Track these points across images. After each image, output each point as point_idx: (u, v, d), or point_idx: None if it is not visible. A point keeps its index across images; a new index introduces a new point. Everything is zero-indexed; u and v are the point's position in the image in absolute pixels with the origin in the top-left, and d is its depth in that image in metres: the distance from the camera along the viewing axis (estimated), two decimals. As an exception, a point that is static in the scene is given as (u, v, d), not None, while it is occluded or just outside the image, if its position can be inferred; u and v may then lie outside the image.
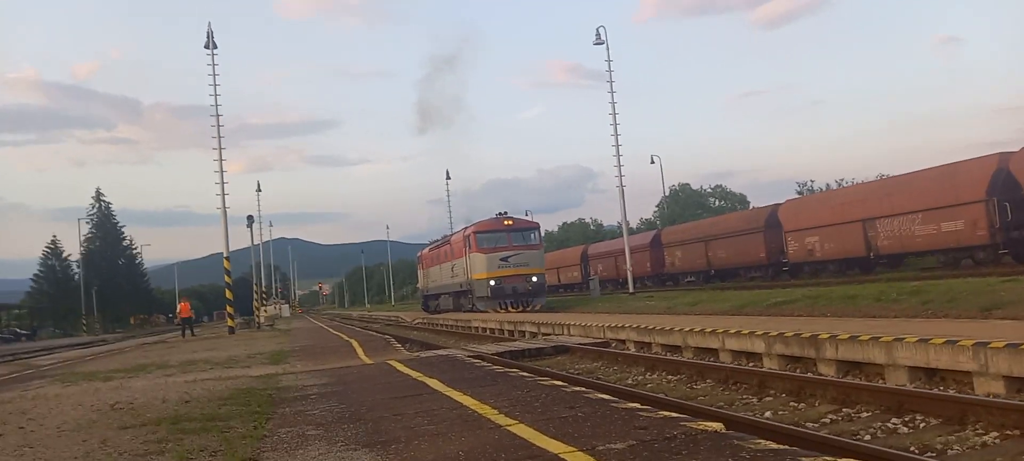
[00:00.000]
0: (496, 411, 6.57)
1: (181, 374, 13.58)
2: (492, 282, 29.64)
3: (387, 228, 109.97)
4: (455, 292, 35.14)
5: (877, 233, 27.92)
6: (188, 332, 35.14)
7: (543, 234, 34.48)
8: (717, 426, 5.25)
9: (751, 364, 10.71)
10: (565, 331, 17.89)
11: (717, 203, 75.49)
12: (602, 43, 33.46)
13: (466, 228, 33.27)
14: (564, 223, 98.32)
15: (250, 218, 47.07)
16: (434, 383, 9.09)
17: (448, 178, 57.32)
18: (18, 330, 65.59)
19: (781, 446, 4.52)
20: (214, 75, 31.99)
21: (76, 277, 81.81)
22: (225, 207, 32.31)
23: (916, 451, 5.81)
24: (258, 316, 45.23)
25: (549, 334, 18.30)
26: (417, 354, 15.09)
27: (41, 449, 6.56)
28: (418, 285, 50.67)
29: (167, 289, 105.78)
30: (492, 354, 13.93)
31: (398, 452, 5.29)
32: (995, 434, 5.92)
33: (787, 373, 9.27)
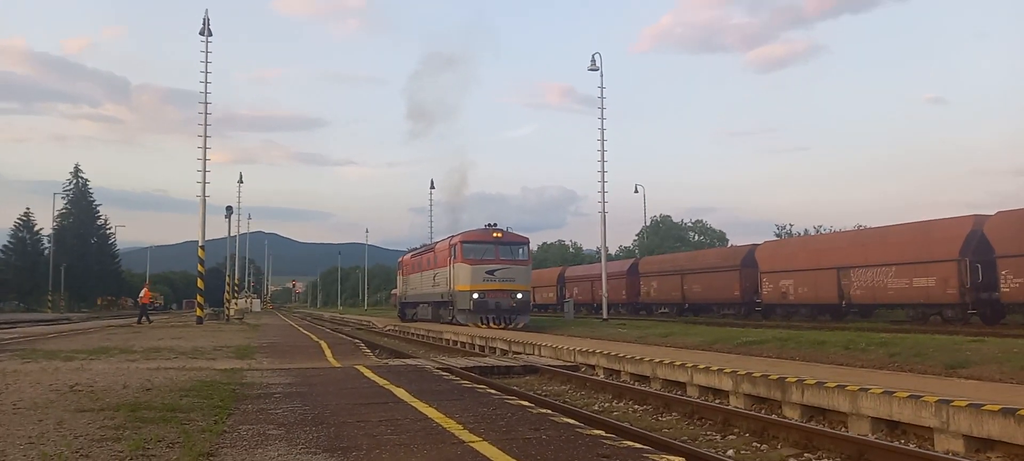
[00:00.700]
0: (461, 426, 6.54)
1: (144, 361, 13.39)
2: (475, 295, 28.47)
3: (366, 231, 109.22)
4: (435, 302, 34.05)
5: (850, 282, 28.26)
6: (144, 319, 34.58)
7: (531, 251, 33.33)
8: (679, 460, 5.26)
9: (717, 401, 10.75)
10: (536, 351, 17.87)
11: (696, 238, 76.11)
12: (597, 69, 33.70)
13: (452, 236, 32.11)
14: (544, 243, 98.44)
15: (229, 209, 46.67)
16: (401, 392, 9.04)
17: (432, 187, 57.28)
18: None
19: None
20: (206, 62, 31.86)
21: (46, 252, 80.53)
22: (205, 195, 32.07)
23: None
24: (228, 309, 44.73)
25: (520, 353, 18.26)
26: (386, 361, 14.99)
27: (-6, 425, 6.44)
28: (395, 291, 50.04)
29: (138, 273, 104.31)
30: (461, 368, 13.87)
31: (358, 459, 5.24)
32: (951, 492, 5.97)
33: (752, 413, 9.32)
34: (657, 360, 12.99)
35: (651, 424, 9.28)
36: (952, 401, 7.48)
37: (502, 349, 19.89)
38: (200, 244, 33.00)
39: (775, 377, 10.00)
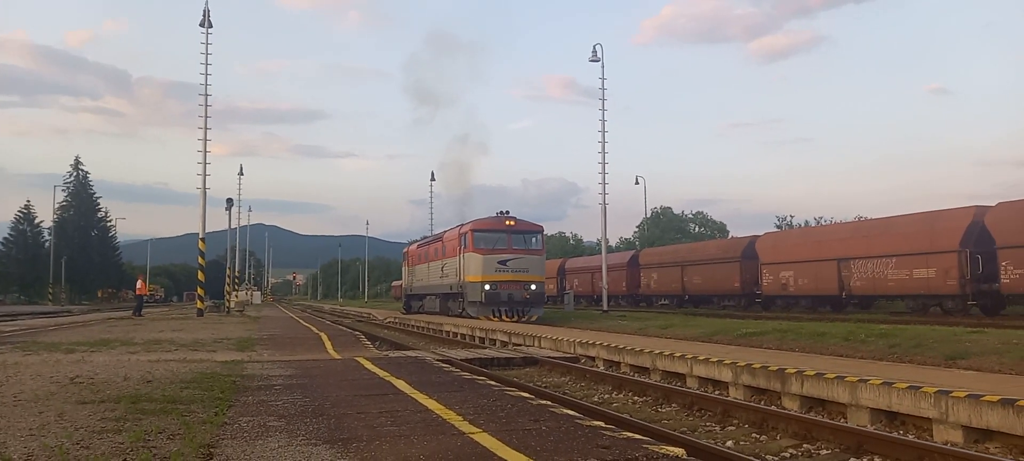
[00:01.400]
0: (461, 418, 6.56)
1: (145, 353, 13.40)
2: (487, 286, 27.02)
3: (367, 224, 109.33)
4: (444, 294, 32.64)
5: (851, 273, 28.26)
6: (138, 312, 34.48)
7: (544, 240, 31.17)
8: (679, 451, 5.27)
9: (717, 392, 10.77)
10: (536, 342, 17.89)
11: (697, 229, 75.93)
12: (598, 60, 33.66)
13: (462, 225, 30.61)
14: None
15: (229, 201, 46.66)
16: (401, 384, 9.05)
17: (432, 179, 57.26)
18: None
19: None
20: (206, 54, 31.80)
21: (47, 245, 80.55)
22: (205, 187, 32.05)
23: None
24: (228, 301, 44.75)
25: (520, 344, 18.28)
26: (386, 353, 15.01)
27: (-5, 417, 6.45)
28: (396, 283, 49.54)
29: (139, 265, 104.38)
30: (461, 360, 13.89)
31: (358, 451, 5.26)
32: (950, 482, 5.99)
33: (751, 404, 9.34)
34: (657, 352, 13.01)
35: (651, 415, 9.30)
36: (951, 392, 7.49)
37: (502, 341, 19.92)
38: (201, 236, 33.01)
39: (775, 368, 10.01)
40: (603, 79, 33.68)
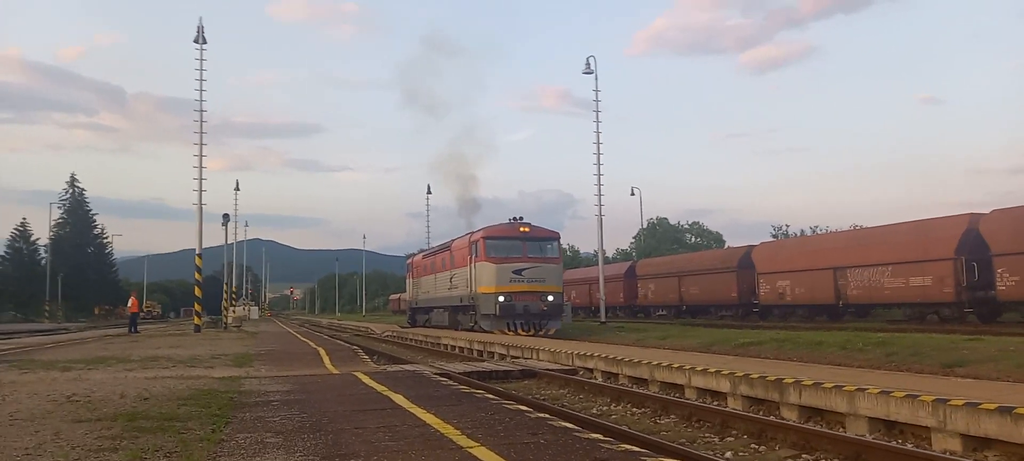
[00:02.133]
0: (459, 432, 6.54)
1: (141, 370, 13.37)
2: (501, 298, 25.16)
3: (363, 238, 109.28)
4: (453, 307, 30.66)
5: (847, 282, 28.30)
6: (133, 329, 34.40)
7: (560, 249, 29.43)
8: (677, 463, 5.26)
9: (715, 403, 10.76)
10: (534, 355, 17.86)
11: (693, 239, 76.00)
12: (591, 72, 33.75)
13: (472, 232, 28.86)
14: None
15: (226, 216, 46.58)
16: (399, 398, 9.04)
17: (429, 192, 57.24)
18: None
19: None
20: (201, 70, 31.84)
21: (43, 262, 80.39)
22: (201, 203, 32.02)
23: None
24: (226, 316, 44.64)
25: (518, 357, 18.25)
26: (384, 367, 14.98)
27: (-9, 437, 6.42)
28: (395, 297, 48.84)
29: (136, 281, 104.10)
30: (459, 373, 13.86)
31: (356, 466, 5.25)
32: (948, 491, 5.98)
33: (750, 415, 9.33)
34: (655, 363, 13.00)
35: (649, 427, 9.28)
36: (949, 400, 7.49)
37: (500, 354, 19.89)
38: (198, 252, 32.93)
39: (773, 378, 10.01)
40: (597, 91, 33.74)
